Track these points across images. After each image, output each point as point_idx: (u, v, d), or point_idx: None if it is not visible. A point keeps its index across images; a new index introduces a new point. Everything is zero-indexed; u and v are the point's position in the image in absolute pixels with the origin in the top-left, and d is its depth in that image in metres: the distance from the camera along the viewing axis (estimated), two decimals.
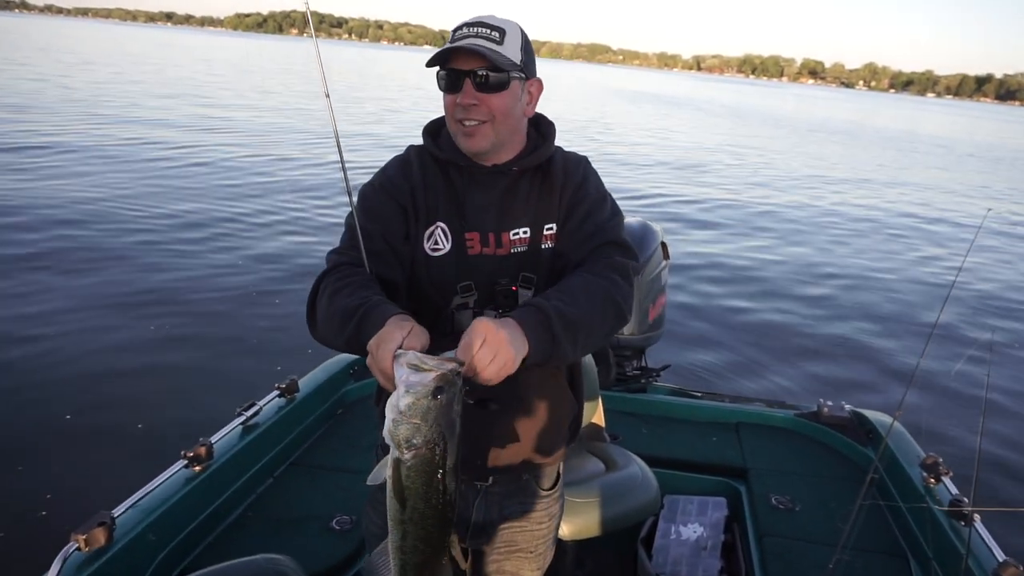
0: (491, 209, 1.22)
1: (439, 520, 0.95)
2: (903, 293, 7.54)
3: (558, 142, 1.30)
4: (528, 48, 1.21)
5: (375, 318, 1.00)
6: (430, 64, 1.17)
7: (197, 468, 1.93)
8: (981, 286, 8.02)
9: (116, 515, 1.67)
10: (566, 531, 1.87)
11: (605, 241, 1.19)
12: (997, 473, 3.94)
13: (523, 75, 1.20)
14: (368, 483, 0.99)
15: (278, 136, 14.30)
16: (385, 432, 0.91)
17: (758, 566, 2.03)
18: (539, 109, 1.29)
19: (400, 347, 0.92)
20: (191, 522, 1.87)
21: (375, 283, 1.15)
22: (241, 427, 2.16)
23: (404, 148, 1.30)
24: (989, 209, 2.72)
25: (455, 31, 1.17)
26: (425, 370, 0.89)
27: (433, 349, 0.98)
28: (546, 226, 1.23)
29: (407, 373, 0.89)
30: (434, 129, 1.28)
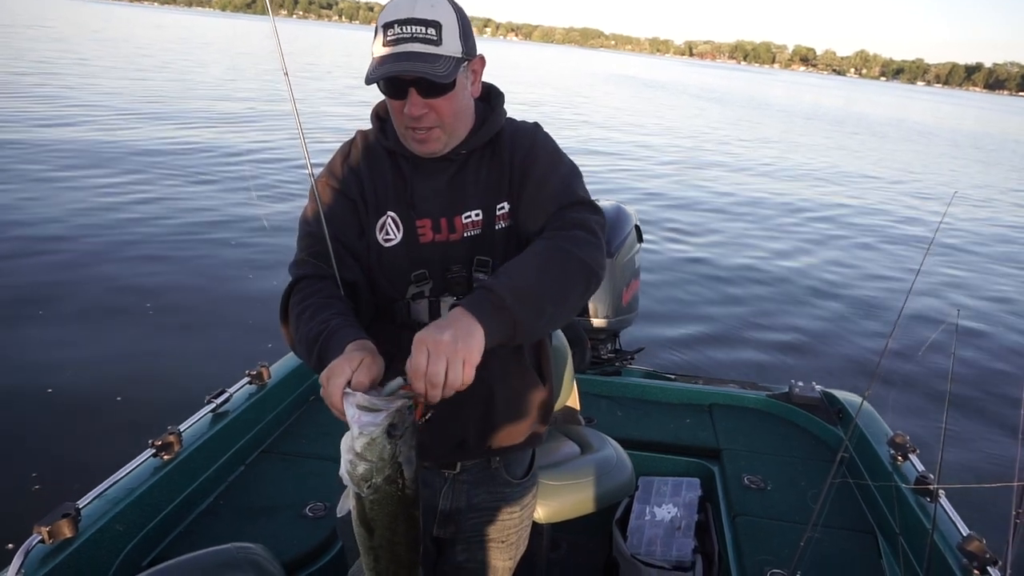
0: (441, 194, 1.17)
1: (408, 543, 0.97)
2: (873, 275, 7.62)
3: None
4: (467, 30, 1.11)
5: (332, 349, 0.98)
6: (370, 82, 1.06)
7: (166, 457, 1.90)
8: (949, 268, 8.14)
9: (81, 506, 1.64)
10: (541, 514, 1.87)
11: (564, 204, 1.12)
12: (962, 450, 4.01)
13: (466, 62, 1.11)
14: (338, 515, 0.98)
15: (246, 116, 14.02)
16: (343, 472, 0.90)
17: (731, 545, 2.04)
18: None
19: (350, 381, 0.90)
20: (160, 512, 1.84)
21: (336, 295, 1.12)
22: (211, 415, 2.14)
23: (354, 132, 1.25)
24: (955, 192, 2.73)
25: (386, 28, 1.06)
26: (376, 410, 0.88)
27: (393, 340, 0.94)
28: (498, 206, 1.17)
29: (359, 413, 0.88)
30: (383, 111, 1.22)
